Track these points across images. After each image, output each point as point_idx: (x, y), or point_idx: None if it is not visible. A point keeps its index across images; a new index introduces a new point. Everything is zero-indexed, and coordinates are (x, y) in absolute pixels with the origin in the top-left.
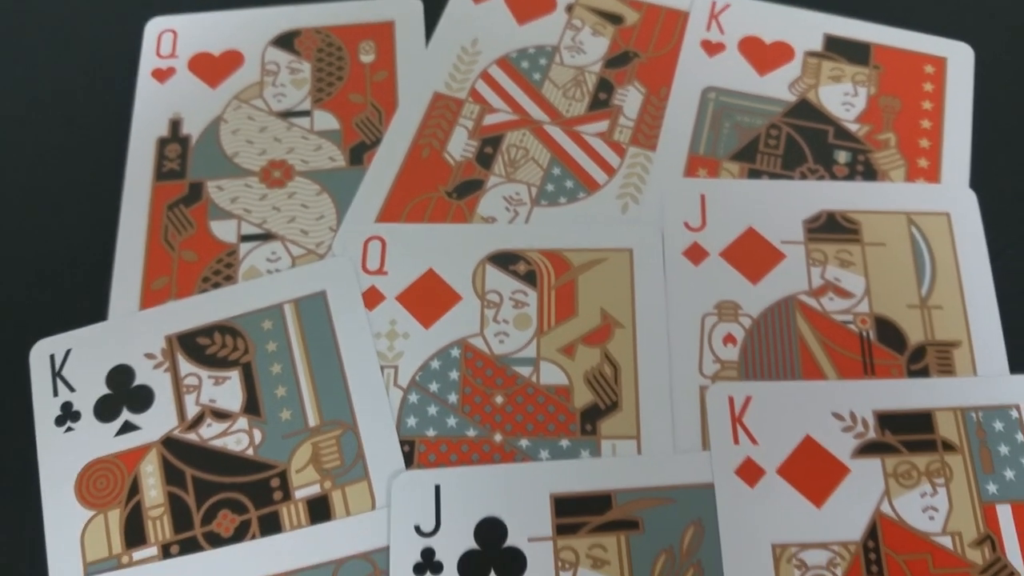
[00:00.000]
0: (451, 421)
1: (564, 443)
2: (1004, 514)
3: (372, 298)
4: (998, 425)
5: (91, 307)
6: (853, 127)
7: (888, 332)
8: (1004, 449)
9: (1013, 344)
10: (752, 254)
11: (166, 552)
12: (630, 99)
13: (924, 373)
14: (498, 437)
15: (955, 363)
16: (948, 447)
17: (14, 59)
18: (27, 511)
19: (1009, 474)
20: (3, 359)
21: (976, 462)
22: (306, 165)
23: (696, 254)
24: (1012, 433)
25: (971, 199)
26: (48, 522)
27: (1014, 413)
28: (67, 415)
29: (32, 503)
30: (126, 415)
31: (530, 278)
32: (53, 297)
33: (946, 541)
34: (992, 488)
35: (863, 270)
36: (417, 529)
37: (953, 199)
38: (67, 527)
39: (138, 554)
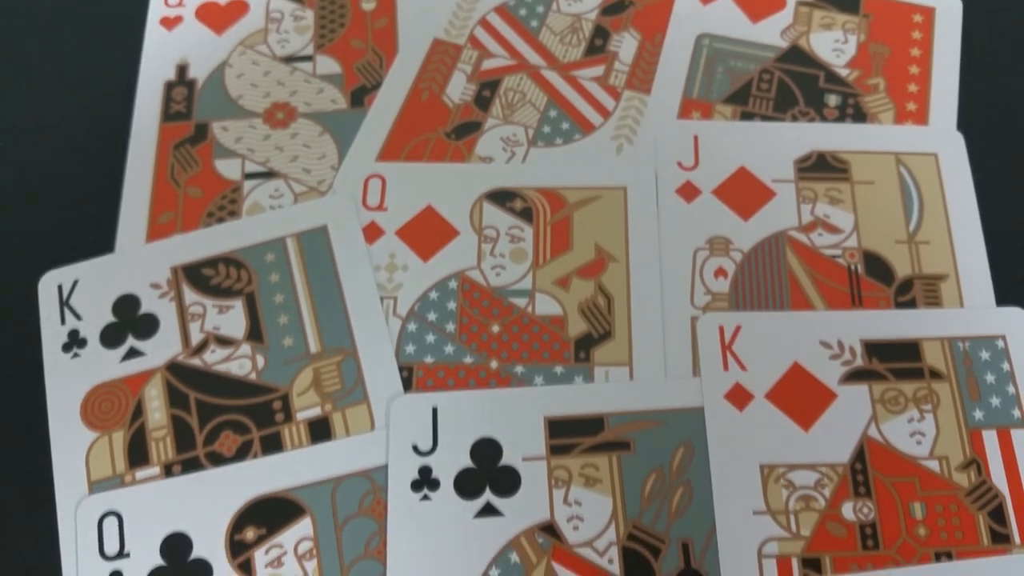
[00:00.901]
0: (448, 348)
1: (558, 369)
2: (990, 439)
3: (372, 233)
4: (984, 354)
5: (99, 241)
6: (843, 72)
7: (876, 266)
8: (990, 377)
9: (999, 278)
10: (743, 192)
11: (168, 471)
12: (625, 45)
13: (911, 305)
14: (494, 364)
15: (942, 296)
16: (935, 375)
17: (36, 7)
18: (34, 435)
19: (995, 401)
20: (13, 290)
21: (963, 389)
22: (308, 107)
23: (689, 192)
24: (998, 362)
25: (958, 140)
26: (54, 444)
27: (1000, 343)
28: (74, 342)
29: (39, 427)
30: (131, 342)
31: (526, 215)
32: (62, 231)
33: (933, 465)
34: (978, 414)
35: (852, 207)
36: (415, 448)
37: (941, 140)
38: (72, 448)
39: (141, 473)
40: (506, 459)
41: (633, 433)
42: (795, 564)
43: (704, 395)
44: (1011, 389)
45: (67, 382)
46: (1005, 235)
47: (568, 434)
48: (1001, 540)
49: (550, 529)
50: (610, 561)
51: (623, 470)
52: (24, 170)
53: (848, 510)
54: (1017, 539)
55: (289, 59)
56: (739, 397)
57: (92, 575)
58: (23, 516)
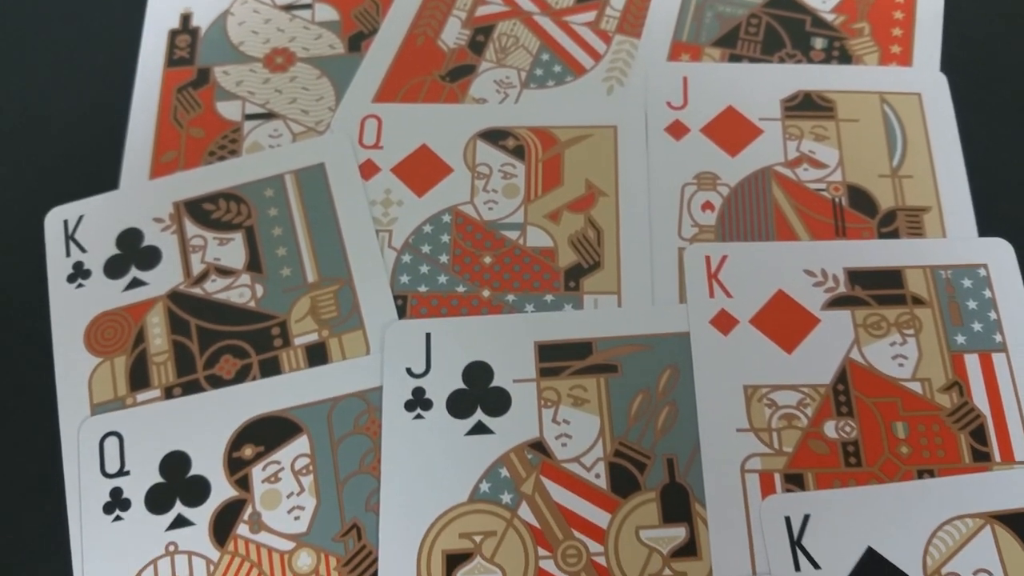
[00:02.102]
0: (442, 278)
1: (548, 298)
2: (972, 363)
3: (368, 170)
4: (967, 282)
5: (104, 180)
6: (829, 17)
7: (860, 198)
8: (972, 304)
9: (981, 211)
10: (731, 130)
11: (168, 394)
12: None
13: (894, 236)
14: (486, 293)
15: (925, 227)
16: (917, 301)
17: None
18: (39, 361)
19: (977, 326)
20: (21, 226)
21: (945, 315)
22: (307, 52)
23: (678, 130)
24: (980, 290)
25: (941, 81)
26: (58, 369)
27: (982, 272)
28: (78, 273)
29: (44, 354)
30: (134, 272)
31: (518, 152)
32: (69, 170)
33: (915, 386)
34: (960, 339)
35: (837, 144)
36: (408, 371)
37: (924, 80)
38: (75, 373)
39: (142, 396)
40: (497, 381)
41: (620, 357)
42: (778, 479)
43: (690, 321)
44: (993, 315)
45: (71, 311)
46: (987, 171)
47: (557, 358)
48: (982, 458)
49: (539, 446)
50: (597, 476)
51: (610, 391)
52: (34, 114)
53: (830, 428)
54: (998, 457)
55: (289, 7)
56: (724, 322)
57: (93, 492)
58: (28, 438)
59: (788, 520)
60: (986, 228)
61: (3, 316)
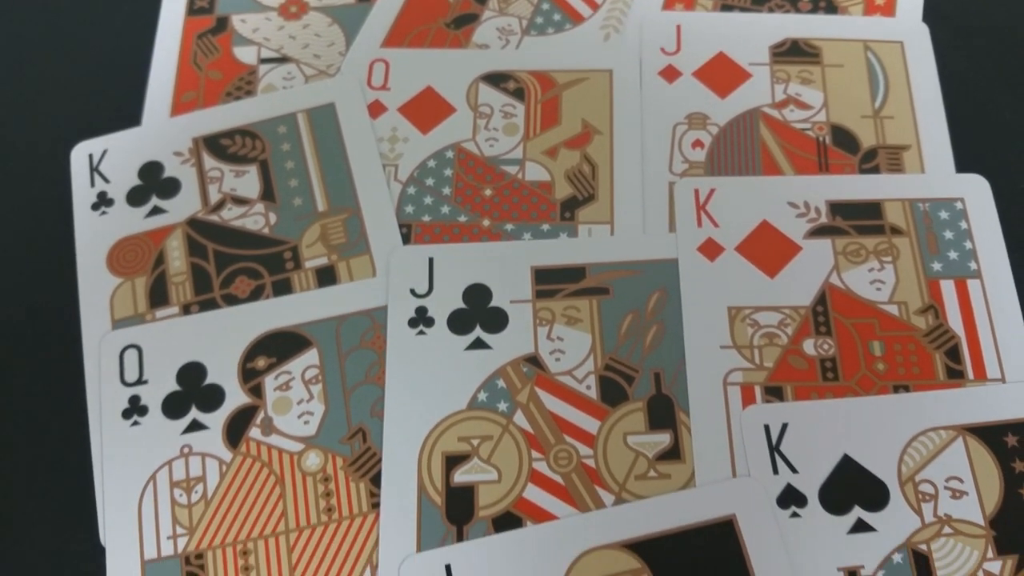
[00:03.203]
0: (444, 209)
1: (545, 227)
2: (947, 288)
3: (376, 109)
4: (944, 214)
5: (127, 118)
6: None
7: (842, 137)
8: (949, 234)
9: (959, 151)
10: (722, 74)
11: (186, 310)
12: None
13: (875, 171)
14: (486, 222)
15: (904, 164)
16: (895, 231)
17: None
18: (64, 283)
19: (953, 255)
20: (48, 160)
21: (922, 244)
22: (320, 1)
23: (670, 74)
24: (957, 221)
25: (923, 30)
26: (82, 288)
27: (959, 205)
28: (102, 201)
29: (69, 276)
30: (155, 201)
31: (519, 94)
32: (94, 110)
33: (892, 309)
34: (937, 266)
35: (822, 87)
36: (412, 292)
37: (907, 30)
38: (98, 291)
39: (161, 312)
40: (495, 301)
41: (612, 280)
42: (758, 391)
43: (679, 248)
44: (968, 245)
45: (95, 236)
46: (965, 114)
47: (552, 281)
48: (956, 376)
49: (534, 360)
50: (588, 387)
51: (602, 312)
52: (63, 59)
53: (809, 346)
54: (971, 375)
55: None
56: (711, 250)
57: (113, 400)
58: (52, 353)
59: (767, 428)
60: (963, 166)
61: (30, 242)
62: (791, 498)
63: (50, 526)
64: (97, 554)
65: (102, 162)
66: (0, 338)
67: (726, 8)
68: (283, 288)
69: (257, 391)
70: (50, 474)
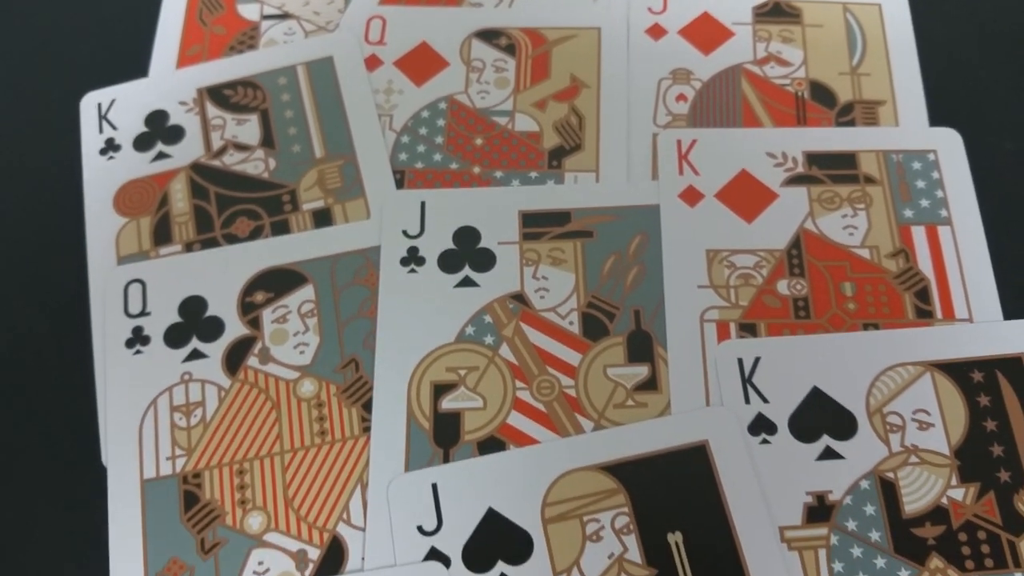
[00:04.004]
0: (436, 156)
1: (533, 175)
2: (918, 233)
3: (372, 63)
4: (916, 165)
5: (135, 70)
6: None
7: (820, 92)
8: (921, 183)
9: (933, 106)
10: (706, 32)
11: (188, 248)
12: None
13: (851, 124)
14: (476, 169)
15: (879, 118)
16: (869, 180)
17: None
18: (72, 223)
19: (924, 203)
20: (58, 109)
21: (895, 192)
22: None
23: (656, 32)
24: (929, 172)
25: None
26: (89, 227)
27: (931, 156)
28: (110, 147)
29: (76, 217)
30: (160, 147)
31: (510, 50)
32: (103, 63)
33: (864, 252)
34: (908, 212)
35: (802, 45)
36: (404, 233)
37: None
38: (104, 230)
39: (164, 250)
40: (484, 243)
41: (596, 224)
42: (733, 328)
43: (660, 194)
44: (940, 193)
45: (102, 178)
46: (941, 73)
47: (538, 224)
48: (925, 316)
49: (520, 298)
50: (570, 323)
51: (586, 253)
52: (74, 13)
53: (783, 286)
54: (940, 315)
55: None
56: (691, 196)
57: (117, 330)
58: (60, 287)
59: (740, 361)
60: (937, 122)
61: (41, 184)
62: (762, 426)
63: (54, 449)
64: (99, 474)
65: (110, 111)
66: (12, 274)
67: None
68: (281, 229)
69: (255, 323)
70: (54, 400)
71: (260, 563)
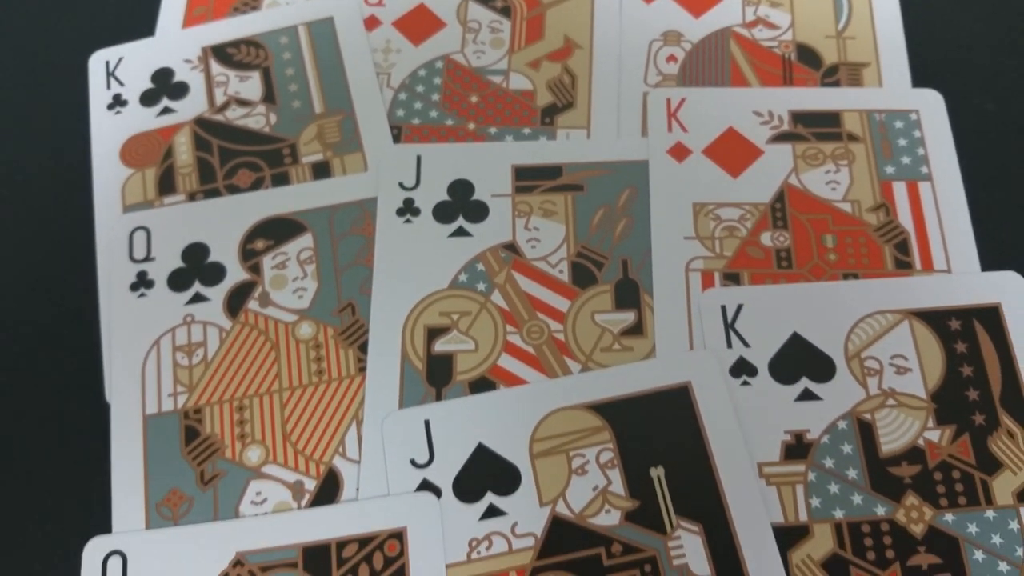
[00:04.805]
0: (433, 113)
1: (526, 131)
2: (899, 189)
3: (371, 23)
4: (899, 124)
5: (142, 30)
6: None
7: (807, 54)
8: (903, 141)
9: (916, 68)
10: None
11: (192, 198)
12: None
13: (836, 85)
14: (471, 125)
15: (864, 79)
16: (852, 138)
17: None
18: (80, 176)
19: (906, 160)
20: (67, 67)
21: (877, 149)
22: None
23: None
24: (911, 131)
25: None
26: (96, 178)
27: (913, 116)
28: (117, 102)
29: (84, 169)
30: (165, 102)
31: (506, 12)
32: (111, 23)
33: (846, 206)
34: (890, 169)
35: (790, 9)
36: (401, 185)
37: None
38: (111, 181)
39: (168, 199)
40: (477, 195)
41: (586, 178)
42: (717, 277)
43: (649, 150)
44: (921, 151)
45: (110, 132)
46: (925, 36)
47: (531, 178)
48: (904, 266)
49: (511, 247)
50: (560, 271)
51: (576, 206)
52: None
53: (766, 238)
54: (918, 266)
55: None
56: (679, 152)
57: (121, 275)
58: (65, 237)
59: (724, 308)
60: (920, 84)
61: (49, 139)
62: (743, 368)
63: (59, 386)
64: (102, 412)
65: (118, 68)
66: (22, 222)
67: None
68: (281, 180)
69: (256, 269)
70: (60, 341)
71: (258, 493)
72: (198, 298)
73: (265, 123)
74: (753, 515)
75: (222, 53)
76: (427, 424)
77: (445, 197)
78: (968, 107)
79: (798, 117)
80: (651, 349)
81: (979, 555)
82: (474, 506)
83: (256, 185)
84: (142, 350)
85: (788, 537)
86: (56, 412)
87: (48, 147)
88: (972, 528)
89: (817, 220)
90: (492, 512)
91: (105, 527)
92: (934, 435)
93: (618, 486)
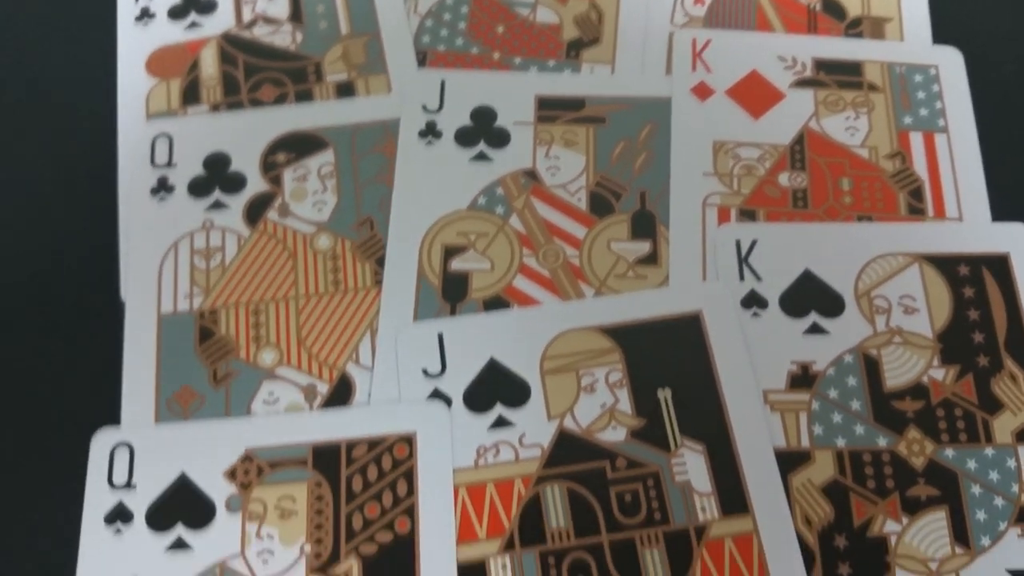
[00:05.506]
0: (459, 41)
1: (551, 63)
2: (916, 139)
3: None
4: (918, 77)
5: None
6: None
7: (832, 6)
8: (921, 94)
9: (937, 25)
10: None
11: (215, 109)
12: None
13: (859, 37)
14: (496, 55)
15: (886, 34)
16: (872, 88)
17: None
18: (105, 86)
19: (923, 112)
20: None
21: (896, 100)
22: None
23: None
24: (930, 85)
25: None
26: (121, 86)
27: (933, 71)
28: (144, 14)
29: (110, 81)
30: (193, 17)
31: None
32: None
33: (863, 152)
34: (908, 119)
35: None
36: (424, 107)
37: None
38: (135, 90)
39: (192, 110)
40: (500, 122)
41: (609, 112)
42: (733, 213)
43: (673, 87)
44: (939, 104)
45: (136, 43)
46: None
47: (554, 108)
48: (917, 212)
49: (531, 174)
50: (579, 200)
51: (597, 138)
52: None
53: (784, 178)
54: (931, 213)
55: None
56: (703, 91)
57: (142, 179)
58: (88, 142)
59: (738, 243)
60: (940, 41)
61: (75, 48)
62: (753, 301)
63: (74, 283)
64: (118, 311)
65: None
66: (46, 125)
67: None
68: (305, 97)
69: (276, 181)
70: (78, 241)
71: (270, 393)
72: (218, 205)
73: (291, 41)
74: (756, 438)
75: None
76: (440, 337)
77: (467, 122)
78: (987, 66)
79: (821, 65)
80: (664, 279)
81: (976, 489)
82: (483, 416)
83: (280, 101)
84: (159, 251)
85: (790, 461)
86: (72, 308)
87: (74, 55)
88: (971, 464)
89: (835, 164)
90: (501, 423)
91: (114, 421)
92: (938, 373)
93: (625, 405)
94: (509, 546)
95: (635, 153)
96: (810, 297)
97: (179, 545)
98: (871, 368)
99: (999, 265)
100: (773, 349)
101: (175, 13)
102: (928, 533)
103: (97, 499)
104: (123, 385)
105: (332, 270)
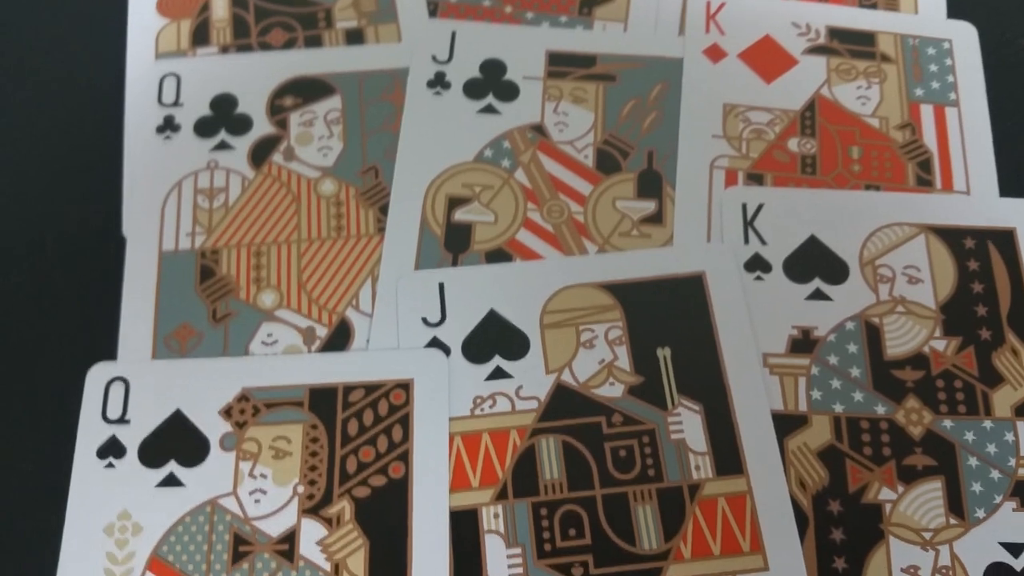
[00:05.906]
0: None
1: (563, 19)
2: (926, 111)
3: None
4: (931, 50)
5: None
6: None
7: None
8: (933, 67)
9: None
10: None
11: (224, 51)
12: None
13: (874, 7)
14: (508, 8)
15: (901, 5)
16: (885, 59)
17: None
18: (114, 25)
19: (935, 84)
20: None
21: (908, 72)
22: None
23: None
24: (943, 58)
25: None
26: (131, 25)
27: (946, 45)
28: None
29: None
30: None
31: None
32: None
33: (874, 122)
34: (919, 91)
35: None
36: (433, 58)
37: None
38: (145, 29)
39: (201, 51)
40: (509, 76)
41: (620, 70)
42: (740, 176)
43: (685, 48)
44: (951, 78)
45: None
46: None
47: (564, 64)
48: (925, 184)
49: (539, 129)
50: (585, 156)
51: (607, 95)
52: None
53: (793, 144)
54: (939, 185)
55: None
56: (715, 53)
57: (148, 117)
58: (97, 81)
59: (744, 206)
60: (955, 15)
61: None
62: (757, 264)
63: (76, 217)
64: (119, 247)
65: None
66: (55, 63)
67: None
68: (314, 43)
69: (283, 124)
70: (80, 174)
71: (269, 335)
72: (223, 146)
73: None
74: (754, 400)
75: None
76: (441, 287)
77: (477, 74)
78: (1001, 42)
79: (835, 33)
80: (669, 238)
81: (973, 461)
82: (481, 366)
83: (289, 45)
84: (163, 189)
85: (786, 424)
86: (74, 242)
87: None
88: (969, 435)
89: (845, 131)
90: (499, 374)
91: (112, 356)
92: (940, 344)
93: (624, 362)
94: (502, 495)
95: (644, 112)
96: (814, 263)
97: (171, 481)
98: (872, 336)
99: (1005, 239)
100: (775, 313)
101: None
102: (923, 503)
103: (90, 432)
104: (121, 321)
105: (335, 215)
